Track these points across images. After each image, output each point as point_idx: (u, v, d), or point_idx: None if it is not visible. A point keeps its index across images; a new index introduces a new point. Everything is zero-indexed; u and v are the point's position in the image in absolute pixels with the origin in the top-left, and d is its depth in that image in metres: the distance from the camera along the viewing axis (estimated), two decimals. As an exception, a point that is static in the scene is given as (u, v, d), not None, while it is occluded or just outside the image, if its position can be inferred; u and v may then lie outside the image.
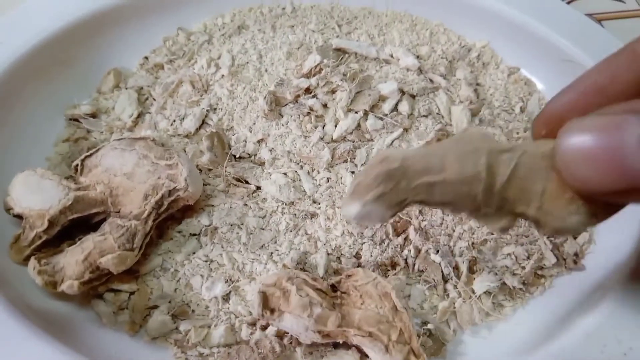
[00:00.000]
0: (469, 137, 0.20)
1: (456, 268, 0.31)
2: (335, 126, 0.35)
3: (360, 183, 0.20)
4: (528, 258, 0.32)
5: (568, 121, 0.18)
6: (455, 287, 0.31)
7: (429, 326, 0.29)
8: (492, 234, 0.32)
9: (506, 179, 0.19)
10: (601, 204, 0.19)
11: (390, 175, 0.20)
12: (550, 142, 0.19)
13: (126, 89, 0.39)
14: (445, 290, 0.31)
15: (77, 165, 0.31)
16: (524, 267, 0.31)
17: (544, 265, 0.32)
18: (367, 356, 0.27)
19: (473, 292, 0.30)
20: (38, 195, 0.29)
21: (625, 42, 0.21)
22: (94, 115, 0.37)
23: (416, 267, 0.31)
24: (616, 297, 0.29)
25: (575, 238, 0.33)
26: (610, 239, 0.33)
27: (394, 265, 0.31)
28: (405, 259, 0.31)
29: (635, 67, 0.19)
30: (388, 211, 0.20)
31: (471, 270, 0.31)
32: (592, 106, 0.19)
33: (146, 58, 0.41)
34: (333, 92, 0.35)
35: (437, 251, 0.31)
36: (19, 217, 0.30)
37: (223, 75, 0.38)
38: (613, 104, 0.18)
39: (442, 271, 0.31)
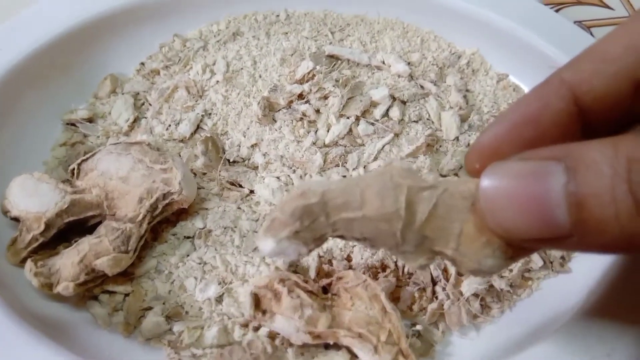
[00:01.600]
0: (391, 172, 0.20)
1: (445, 270, 0.32)
2: (328, 131, 0.35)
3: (276, 219, 0.19)
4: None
5: (496, 158, 0.18)
6: (444, 289, 0.31)
7: (418, 327, 0.30)
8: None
9: (425, 217, 0.19)
10: (517, 247, 0.18)
11: (308, 211, 0.19)
12: (471, 181, 0.19)
13: (122, 94, 0.39)
14: (434, 292, 0.31)
15: (74, 169, 0.32)
16: (511, 270, 0.32)
17: (531, 267, 0.32)
18: (357, 357, 0.28)
19: (461, 294, 0.31)
20: (35, 199, 0.30)
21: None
22: (90, 120, 0.38)
23: (406, 269, 0.32)
24: (601, 299, 0.30)
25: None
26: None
27: (384, 267, 0.32)
28: (395, 262, 0.32)
29: (565, 94, 0.18)
30: (305, 247, 0.19)
31: (459, 273, 0.32)
32: (523, 138, 0.18)
33: (142, 64, 0.41)
34: (325, 97, 0.36)
35: (427, 254, 0.32)
36: (16, 220, 0.30)
37: (218, 81, 0.39)
38: (545, 134, 0.18)
39: (431, 273, 0.31)
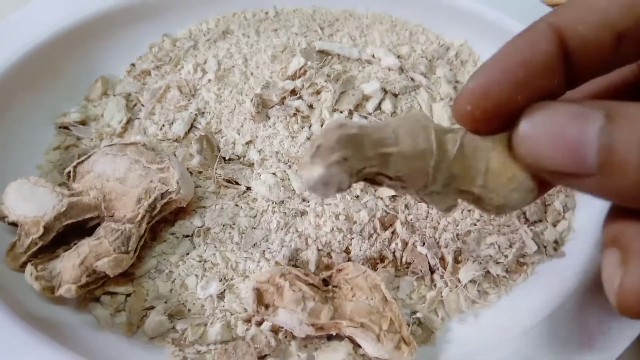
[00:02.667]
0: (415, 116, 0.20)
1: (442, 259, 0.32)
2: (321, 126, 0.36)
3: (322, 145, 0.18)
4: (510, 247, 0.33)
5: (486, 99, 0.19)
6: (441, 277, 0.32)
7: (418, 315, 0.30)
8: (476, 224, 0.33)
9: (454, 155, 0.20)
10: (538, 182, 0.19)
11: (351, 141, 0.19)
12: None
13: (114, 95, 0.39)
14: (432, 280, 0.32)
15: (70, 171, 0.32)
16: (506, 256, 0.33)
17: (526, 253, 0.33)
18: (359, 346, 0.28)
19: (459, 281, 0.32)
20: (32, 203, 0.30)
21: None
22: (83, 123, 0.38)
23: (404, 259, 0.32)
24: (596, 280, 0.30)
25: (554, 226, 0.34)
26: (588, 226, 0.34)
27: (382, 258, 0.32)
28: (393, 252, 0.32)
29: (552, 37, 0.19)
30: (348, 178, 0.19)
31: (456, 261, 0.32)
32: (513, 79, 0.19)
33: (133, 65, 0.41)
34: (318, 93, 0.36)
35: (424, 243, 0.32)
36: (14, 224, 0.30)
37: (210, 80, 0.39)
38: (534, 76, 0.19)
39: (428, 262, 0.32)
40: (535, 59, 0.19)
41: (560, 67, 0.19)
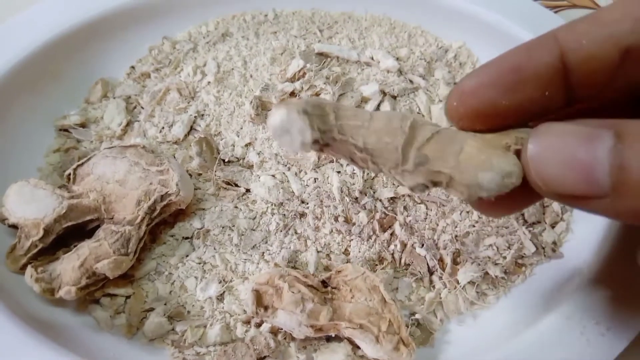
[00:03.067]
0: (397, 111, 0.21)
1: (441, 260, 0.32)
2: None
3: (290, 100, 0.20)
4: (509, 248, 0.33)
5: (474, 98, 0.19)
6: (440, 278, 0.32)
7: (417, 316, 0.31)
8: (474, 226, 0.33)
9: (427, 137, 0.20)
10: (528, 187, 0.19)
11: (320, 105, 0.20)
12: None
13: (114, 98, 0.39)
14: (431, 281, 0.32)
15: (70, 174, 0.32)
16: (505, 257, 0.33)
17: (524, 254, 0.33)
18: (358, 347, 0.28)
19: (458, 282, 0.32)
20: (32, 205, 0.30)
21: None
22: (83, 125, 0.38)
23: (403, 260, 0.32)
24: (593, 281, 0.31)
25: (553, 227, 0.35)
26: (586, 228, 0.34)
27: (381, 260, 0.32)
28: (392, 254, 0.32)
29: (553, 49, 0.19)
30: (309, 130, 0.19)
31: (455, 262, 0.32)
32: (504, 82, 0.19)
33: (133, 67, 0.41)
34: (317, 95, 0.37)
35: (422, 245, 0.32)
36: (14, 227, 0.30)
37: (209, 82, 0.39)
38: (526, 82, 0.19)
39: (427, 264, 0.32)
40: (528, 66, 0.19)
41: (555, 80, 0.19)
